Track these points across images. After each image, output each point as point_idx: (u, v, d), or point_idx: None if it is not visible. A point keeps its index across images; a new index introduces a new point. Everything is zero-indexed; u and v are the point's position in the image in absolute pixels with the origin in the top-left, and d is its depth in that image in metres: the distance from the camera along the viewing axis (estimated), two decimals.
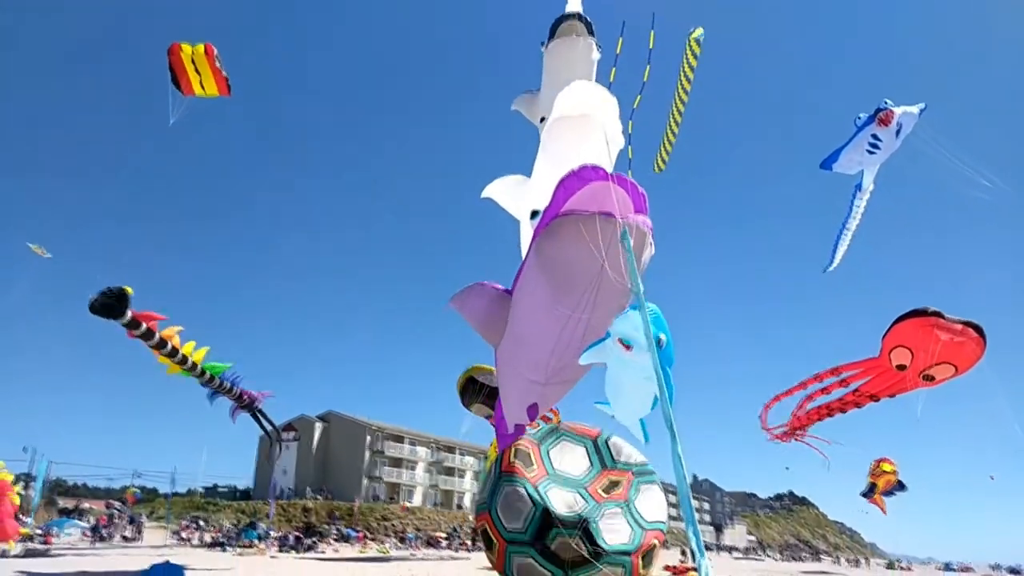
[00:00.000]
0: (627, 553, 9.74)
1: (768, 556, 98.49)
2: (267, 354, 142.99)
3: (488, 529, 10.27)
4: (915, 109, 13.42)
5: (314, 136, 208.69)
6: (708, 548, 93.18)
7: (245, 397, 19.83)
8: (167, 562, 16.29)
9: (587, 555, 9.37)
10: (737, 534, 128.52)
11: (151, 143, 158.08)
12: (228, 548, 36.22)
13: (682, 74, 11.66)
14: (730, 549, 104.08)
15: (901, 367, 14.09)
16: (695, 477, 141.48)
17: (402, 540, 52.57)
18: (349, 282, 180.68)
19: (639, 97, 10.01)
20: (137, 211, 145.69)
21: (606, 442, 11.64)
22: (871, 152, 13.69)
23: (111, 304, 14.24)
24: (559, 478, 10.73)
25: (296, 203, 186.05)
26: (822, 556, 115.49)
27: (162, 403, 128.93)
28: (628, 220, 8.39)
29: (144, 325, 15.08)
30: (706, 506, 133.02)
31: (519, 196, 11.61)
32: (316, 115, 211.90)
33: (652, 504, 10.86)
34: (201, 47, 11.81)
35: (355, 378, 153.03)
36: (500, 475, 10.51)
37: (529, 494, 9.90)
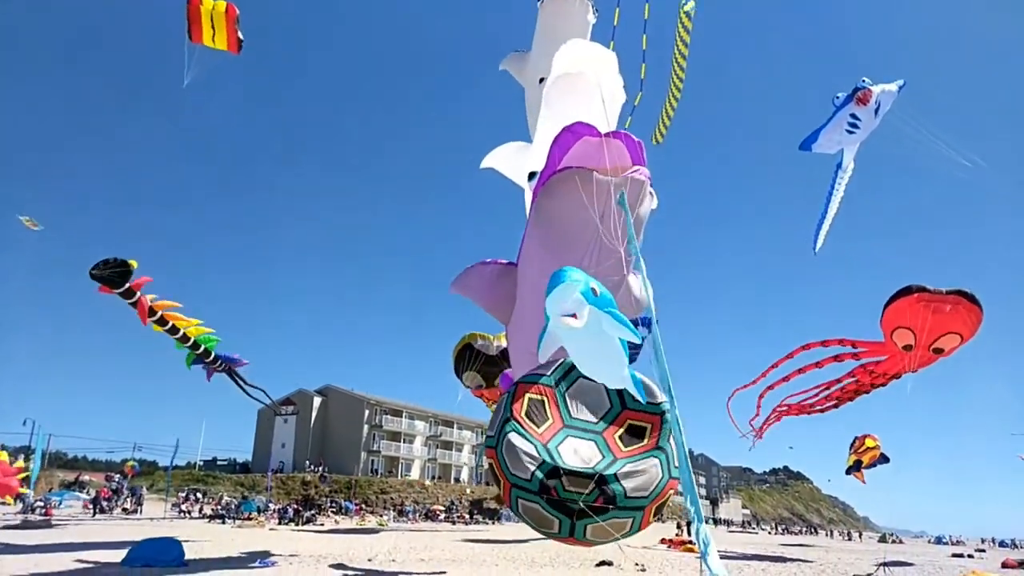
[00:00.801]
0: (641, 508, 9.57)
1: (762, 529, 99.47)
2: (266, 328, 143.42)
3: (494, 467, 10.15)
4: (893, 87, 13.26)
5: (315, 112, 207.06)
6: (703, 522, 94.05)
7: (222, 363, 19.99)
8: (170, 538, 16.32)
9: (589, 509, 9.23)
10: (732, 508, 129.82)
11: (152, 117, 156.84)
12: (227, 521, 36.48)
13: (677, 48, 11.47)
14: (725, 522, 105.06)
15: (908, 347, 14.10)
16: (691, 452, 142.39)
17: (400, 513, 53.00)
18: (349, 257, 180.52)
19: (644, 66, 9.90)
20: (135, 185, 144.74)
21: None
22: (851, 131, 13.53)
23: (113, 277, 14.31)
24: (576, 426, 10.40)
25: (297, 180, 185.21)
26: (817, 529, 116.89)
27: (162, 377, 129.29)
28: (625, 173, 8.28)
29: (139, 295, 15.12)
30: (702, 480, 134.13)
31: (521, 163, 11.41)
32: (316, 93, 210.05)
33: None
34: (223, 4, 11.64)
35: (354, 353, 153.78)
36: (508, 418, 10.27)
37: (537, 451, 9.74)
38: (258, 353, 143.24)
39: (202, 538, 22.97)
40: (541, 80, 10.60)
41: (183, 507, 42.43)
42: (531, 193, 10.14)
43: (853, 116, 13.23)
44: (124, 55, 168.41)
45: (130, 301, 15.32)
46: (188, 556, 15.48)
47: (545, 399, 10.62)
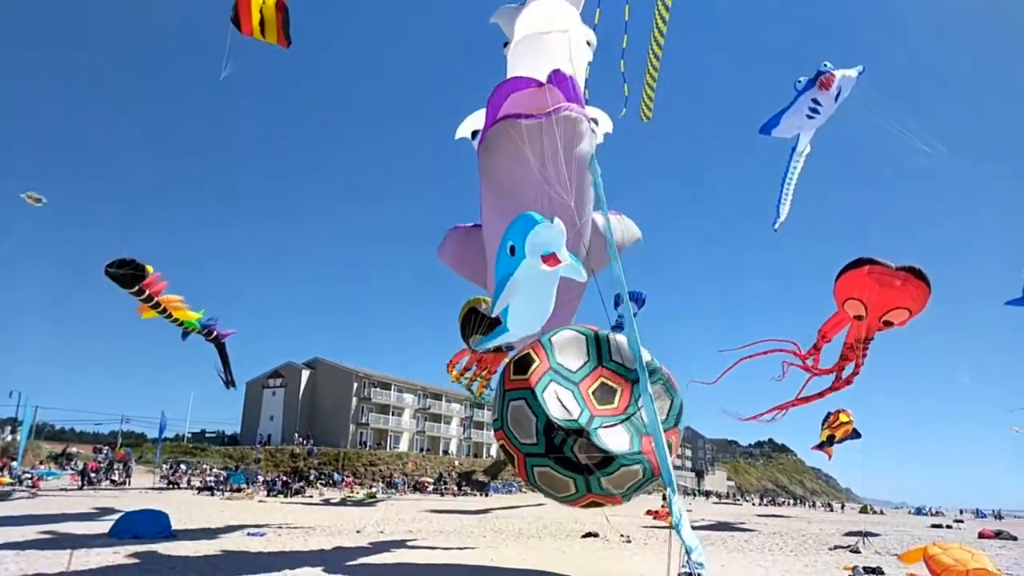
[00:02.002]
0: (642, 460, 9.71)
1: (746, 500, 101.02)
2: (254, 300, 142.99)
3: (506, 445, 10.37)
4: (853, 72, 13.31)
5: (305, 85, 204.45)
6: (690, 493, 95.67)
7: (216, 333, 20.31)
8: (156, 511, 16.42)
9: (606, 454, 9.36)
10: (718, 480, 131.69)
11: (138, 105, 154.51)
12: (216, 493, 36.63)
13: (655, 24, 11.35)
14: (710, 494, 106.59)
15: (859, 317, 14.34)
16: None
17: (389, 485, 53.37)
18: (337, 229, 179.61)
19: (625, 37, 9.83)
20: (121, 162, 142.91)
21: (607, 337, 11.26)
22: (811, 116, 13.59)
23: (125, 278, 14.71)
24: (559, 372, 10.49)
25: (287, 153, 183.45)
26: (801, 501, 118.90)
27: (149, 349, 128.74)
28: (549, 111, 8.28)
29: (147, 292, 15.55)
30: (688, 453, 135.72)
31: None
32: (303, 69, 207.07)
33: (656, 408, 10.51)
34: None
35: (343, 326, 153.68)
36: (504, 393, 10.46)
37: (530, 405, 9.90)
38: (247, 325, 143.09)
39: (190, 510, 23.09)
40: (505, 44, 10.44)
41: (171, 479, 42.52)
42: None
43: (815, 101, 13.31)
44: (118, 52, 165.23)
45: (140, 298, 15.62)
46: (176, 527, 15.58)
47: (531, 350, 10.75)
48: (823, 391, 15.75)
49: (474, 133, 9.57)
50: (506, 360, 11.04)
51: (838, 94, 13.32)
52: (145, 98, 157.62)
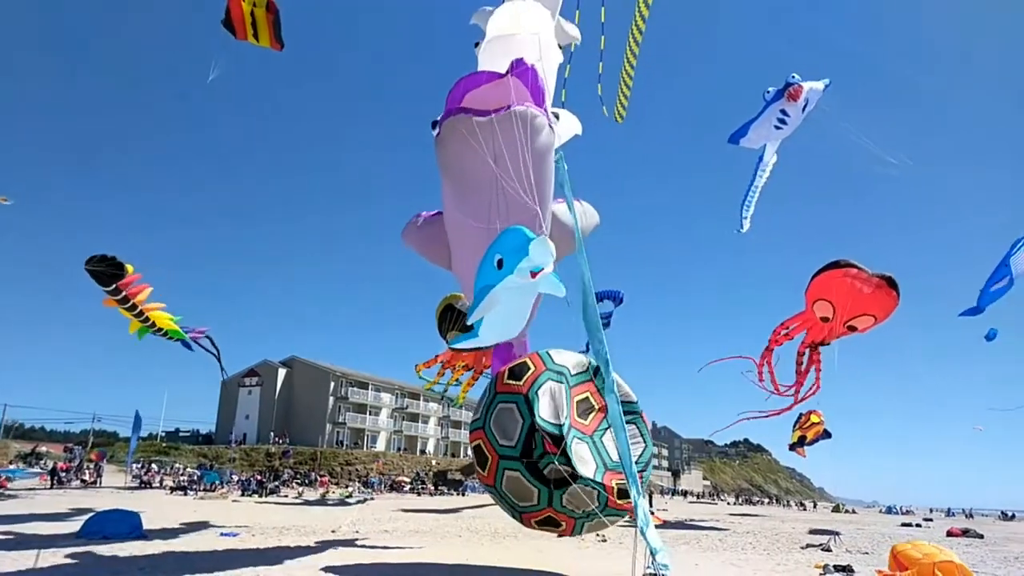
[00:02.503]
0: (597, 482, 9.81)
1: (722, 500, 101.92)
2: (231, 298, 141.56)
3: (482, 445, 10.35)
4: (820, 85, 13.58)
5: (285, 88, 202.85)
6: (665, 493, 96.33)
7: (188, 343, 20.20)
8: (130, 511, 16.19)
9: (568, 476, 9.43)
10: (694, 479, 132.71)
11: (105, 93, 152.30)
12: (189, 492, 36.22)
13: (634, 23, 11.43)
14: (687, 493, 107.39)
15: (825, 319, 14.57)
16: (654, 424, 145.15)
17: (365, 484, 53.12)
18: (314, 227, 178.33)
19: (603, 38, 9.90)
20: (91, 154, 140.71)
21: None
22: (778, 127, 13.84)
23: (103, 275, 14.59)
24: (555, 370, 10.57)
25: (258, 147, 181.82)
26: (775, 500, 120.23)
27: (122, 347, 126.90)
28: (509, 108, 8.32)
29: (124, 293, 15.40)
30: (665, 453, 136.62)
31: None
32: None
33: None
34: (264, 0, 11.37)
35: (320, 324, 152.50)
36: (495, 395, 10.50)
37: (520, 410, 9.95)
38: (223, 323, 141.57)
39: (162, 510, 22.81)
40: (476, 44, 10.48)
41: (144, 478, 41.97)
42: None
43: (783, 112, 13.54)
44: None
45: (117, 298, 15.42)
46: (147, 527, 15.38)
47: (528, 359, 10.79)
48: (784, 408, 16.02)
49: (434, 123, 9.59)
50: (503, 368, 11.07)
51: (805, 105, 13.58)
52: (116, 92, 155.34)
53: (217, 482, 39.87)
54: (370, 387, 74.52)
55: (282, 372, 71.91)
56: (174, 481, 41.23)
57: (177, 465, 50.25)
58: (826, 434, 31.84)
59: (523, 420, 9.85)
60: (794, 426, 32.69)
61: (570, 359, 11.01)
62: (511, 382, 10.40)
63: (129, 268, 14.91)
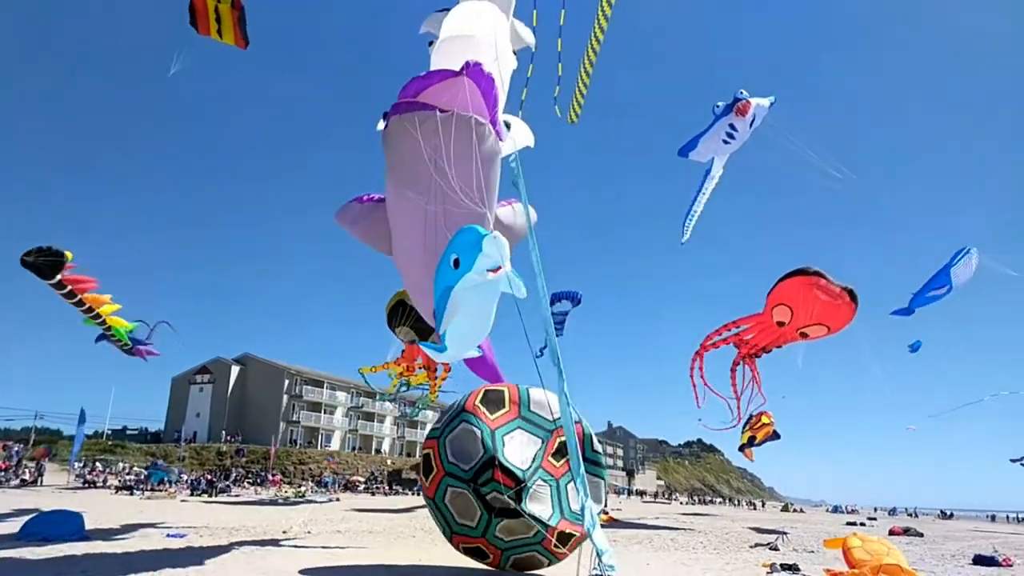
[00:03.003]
0: (544, 523, 9.67)
1: (675, 500, 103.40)
2: (183, 293, 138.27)
3: (432, 455, 10.19)
4: (766, 102, 14.02)
5: (242, 81, 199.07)
6: (620, 492, 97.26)
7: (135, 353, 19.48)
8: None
9: (517, 508, 9.33)
10: (648, 479, 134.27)
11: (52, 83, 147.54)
12: (136, 492, 35.33)
13: (596, 25, 11.51)
14: (642, 493, 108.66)
15: (780, 323, 14.92)
16: (609, 424, 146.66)
17: (319, 484, 52.51)
18: (272, 223, 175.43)
19: (560, 41, 9.95)
20: (46, 147, 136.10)
21: (589, 434, 11.24)
22: (726, 142, 14.23)
23: (44, 266, 14.01)
24: (529, 420, 10.45)
25: (212, 143, 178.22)
26: (728, 500, 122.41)
27: (67, 341, 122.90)
28: (455, 112, 8.35)
29: (69, 287, 14.86)
30: (620, 452, 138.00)
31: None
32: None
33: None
34: None
35: (274, 321, 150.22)
36: (461, 411, 10.36)
37: (484, 439, 9.81)
38: (174, 318, 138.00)
39: (107, 510, 22.21)
40: (430, 44, 10.46)
41: (88, 477, 40.77)
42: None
43: (731, 126, 13.90)
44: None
45: (61, 292, 14.90)
46: (90, 527, 14.97)
47: (505, 391, 10.66)
48: (729, 427, 16.55)
49: (385, 115, 9.54)
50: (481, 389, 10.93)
51: (752, 121, 13.93)
52: (64, 85, 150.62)
53: (165, 481, 38.96)
54: (325, 385, 73.67)
55: (235, 369, 70.65)
56: (120, 480, 40.16)
57: (123, 464, 48.93)
58: (775, 435, 32.58)
59: (484, 452, 9.70)
60: (744, 427, 33.32)
61: (553, 403, 10.64)
62: (484, 410, 10.26)
63: (69, 255, 14.39)
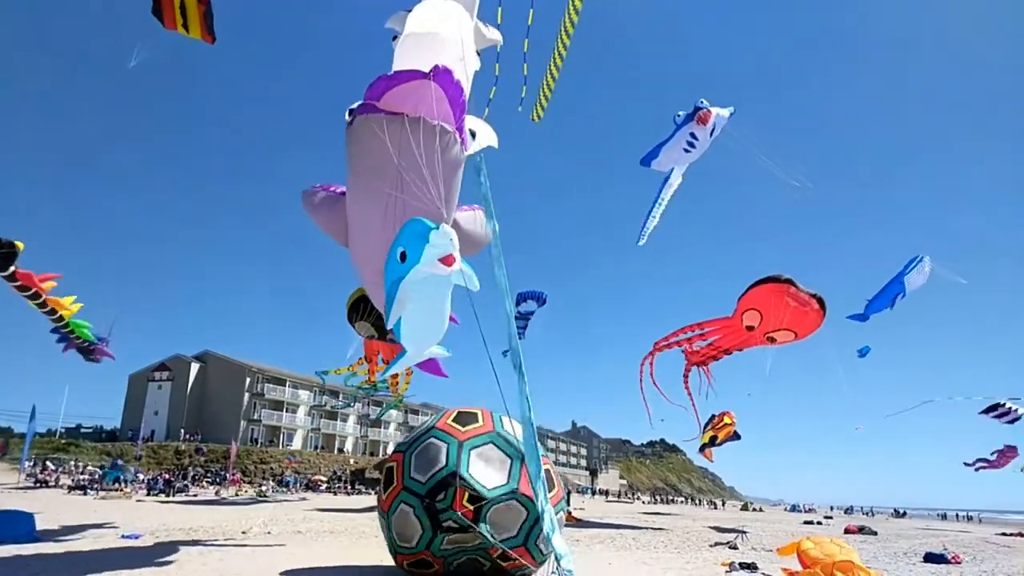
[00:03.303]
0: (494, 541, 9.34)
1: (637, 499, 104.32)
2: (142, 289, 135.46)
3: (395, 468, 9.96)
4: (726, 112, 14.30)
5: (210, 72, 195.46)
6: (583, 492, 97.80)
7: (95, 354, 19.12)
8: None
9: (470, 525, 9.07)
10: (611, 478, 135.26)
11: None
12: (90, 491, 34.49)
13: (564, 25, 11.56)
14: (604, 492, 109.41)
15: (750, 328, 15.22)
16: (574, 424, 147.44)
17: (280, 483, 51.85)
18: (230, 219, 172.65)
19: (527, 41, 9.96)
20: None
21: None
22: (687, 150, 14.51)
23: None
24: (503, 436, 10.08)
25: (173, 132, 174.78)
26: (689, 499, 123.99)
27: (18, 336, 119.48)
28: (422, 117, 8.34)
29: (21, 282, 14.44)
30: (583, 452, 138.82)
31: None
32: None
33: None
34: None
35: (236, 318, 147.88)
36: (431, 429, 10.16)
37: (448, 452, 9.58)
38: (132, 315, 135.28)
39: (59, 510, 21.66)
40: (395, 38, 10.38)
41: (40, 477, 39.68)
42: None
43: (692, 135, 14.17)
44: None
45: (14, 285, 14.46)
46: (41, 528, 14.60)
47: (480, 411, 10.53)
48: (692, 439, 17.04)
49: (350, 111, 9.45)
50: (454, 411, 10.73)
51: (712, 130, 14.17)
52: (22, 77, 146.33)
53: (121, 480, 38.09)
54: (287, 383, 72.82)
55: (195, 367, 69.46)
56: (73, 480, 39.16)
57: (76, 462, 47.71)
58: (736, 436, 33.10)
59: (446, 465, 9.39)
60: (706, 426, 33.78)
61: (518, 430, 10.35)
62: (454, 425, 10.12)
63: (20, 245, 13.95)
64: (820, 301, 14.49)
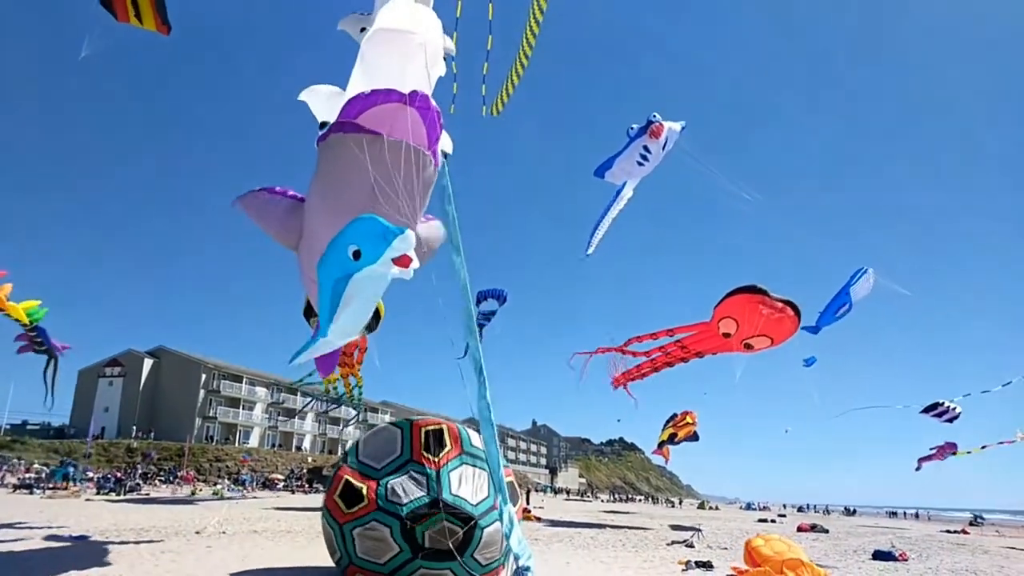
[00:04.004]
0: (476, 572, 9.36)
1: (597, 497, 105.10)
2: (93, 279, 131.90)
3: (367, 491, 9.66)
4: (677, 126, 14.51)
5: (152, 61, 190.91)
6: (543, 490, 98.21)
7: (53, 350, 18.70)
8: None
9: (452, 552, 9.03)
10: (570, 477, 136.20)
11: None
12: (36, 490, 33.47)
13: (530, 20, 11.53)
14: (566, 491, 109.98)
15: (726, 335, 15.49)
16: (534, 422, 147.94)
17: (236, 482, 50.97)
18: (187, 211, 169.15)
19: (490, 38, 9.92)
20: None
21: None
22: (641, 163, 14.68)
23: None
24: (473, 455, 10.14)
25: (127, 126, 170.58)
26: (643, 498, 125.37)
27: None
28: (405, 141, 8.35)
29: None
30: (543, 450, 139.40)
31: (332, 108, 11.32)
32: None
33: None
34: None
35: (192, 313, 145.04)
36: (409, 460, 9.97)
37: (428, 478, 9.51)
38: (86, 309, 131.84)
39: (3, 510, 20.98)
40: (363, 30, 10.24)
41: None
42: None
43: (645, 148, 14.32)
44: None
45: None
46: None
47: (444, 429, 10.42)
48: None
49: (322, 124, 9.32)
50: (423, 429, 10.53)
51: (665, 144, 14.34)
52: None
53: (69, 479, 37.02)
54: (244, 380, 71.64)
55: (148, 363, 67.91)
56: (18, 478, 37.93)
57: (20, 460, 46.20)
58: (695, 436, 33.60)
59: (428, 492, 9.35)
60: (667, 423, 34.22)
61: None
62: (428, 456, 9.99)
63: None
64: (794, 307, 14.83)
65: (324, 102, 11.33)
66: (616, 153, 14.68)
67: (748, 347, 15.63)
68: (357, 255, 6.75)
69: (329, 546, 10.22)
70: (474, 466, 10.11)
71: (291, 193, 10.82)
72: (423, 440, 10.16)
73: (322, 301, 7.30)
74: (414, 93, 8.18)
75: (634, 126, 14.35)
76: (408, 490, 9.52)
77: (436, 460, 9.89)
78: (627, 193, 15.52)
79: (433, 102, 8.47)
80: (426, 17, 9.73)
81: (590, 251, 16.40)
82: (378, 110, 8.28)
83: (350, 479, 9.85)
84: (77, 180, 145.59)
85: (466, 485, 9.77)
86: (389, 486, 9.60)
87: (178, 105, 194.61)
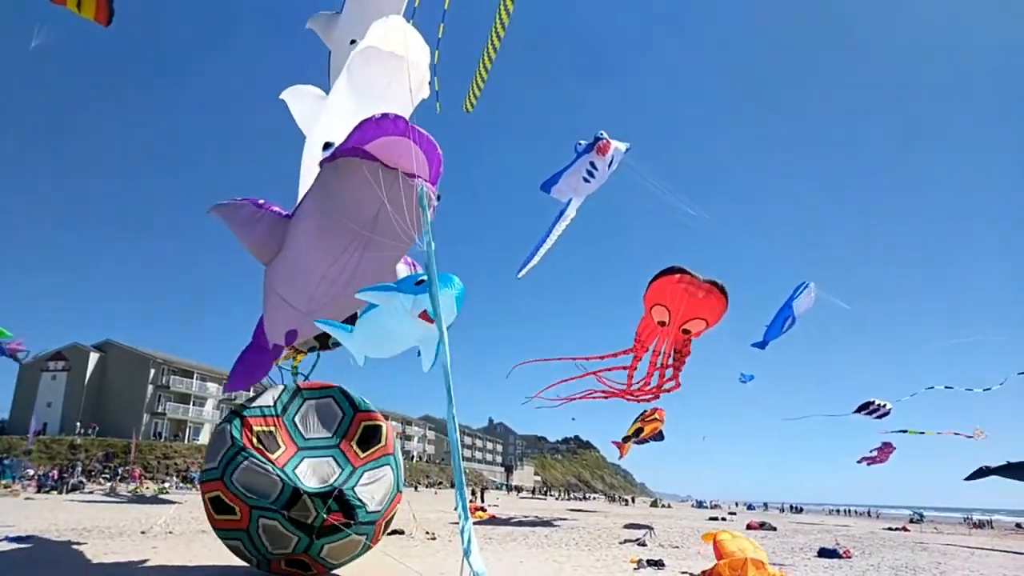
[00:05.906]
0: (373, 522, 9.70)
1: (552, 495, 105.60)
2: (36, 268, 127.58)
3: (223, 496, 9.54)
4: (623, 146, 14.71)
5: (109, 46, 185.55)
6: (498, 488, 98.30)
7: (8, 352, 18.25)
8: None
9: (338, 524, 9.24)
10: (526, 475, 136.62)
11: None
12: None
13: (498, 16, 11.53)
14: (520, 489, 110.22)
15: (662, 323, 15.65)
16: (490, 420, 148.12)
17: (185, 480, 49.87)
18: (138, 199, 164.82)
19: (442, 26, 9.96)
20: None
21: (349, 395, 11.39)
22: (587, 180, 14.80)
23: None
24: (311, 446, 10.35)
25: (71, 111, 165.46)
26: (599, 495, 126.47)
27: None
28: (417, 181, 8.45)
29: None
30: (499, 448, 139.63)
31: (313, 111, 11.21)
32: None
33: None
34: None
35: (141, 306, 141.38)
36: (240, 449, 9.72)
37: (277, 474, 9.41)
38: (28, 300, 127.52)
39: None
40: (353, 42, 10.23)
41: None
42: (318, 153, 9.98)
43: (592, 165, 14.45)
44: None
45: None
46: None
47: (274, 428, 10.38)
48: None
49: (327, 145, 9.30)
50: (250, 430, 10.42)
51: (611, 162, 14.46)
52: None
53: (8, 476, 35.79)
54: (195, 376, 70.13)
55: (94, 356, 65.96)
56: None
57: None
58: (660, 435, 33.96)
59: (283, 486, 9.31)
60: (636, 418, 34.48)
61: (319, 416, 10.94)
62: (265, 450, 9.89)
63: None
64: (719, 287, 15.03)
65: (306, 104, 11.21)
66: (563, 168, 14.71)
67: (687, 333, 15.81)
68: (425, 316, 7.42)
69: (243, 557, 10.15)
70: (316, 456, 10.39)
71: (275, 208, 10.65)
72: (254, 437, 10.16)
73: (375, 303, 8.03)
74: (415, 130, 8.40)
75: (582, 142, 14.44)
76: (260, 486, 9.51)
77: (275, 458, 9.96)
78: (570, 213, 15.47)
79: (438, 149, 8.68)
80: (416, 42, 9.82)
81: (522, 274, 16.07)
82: (386, 141, 8.34)
83: (214, 493, 9.76)
84: (19, 166, 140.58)
85: (315, 475, 10.04)
86: (233, 482, 9.63)
87: (123, 100, 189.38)
